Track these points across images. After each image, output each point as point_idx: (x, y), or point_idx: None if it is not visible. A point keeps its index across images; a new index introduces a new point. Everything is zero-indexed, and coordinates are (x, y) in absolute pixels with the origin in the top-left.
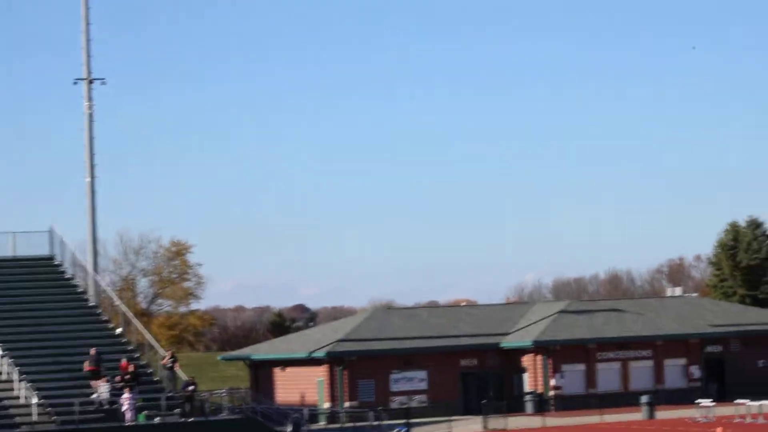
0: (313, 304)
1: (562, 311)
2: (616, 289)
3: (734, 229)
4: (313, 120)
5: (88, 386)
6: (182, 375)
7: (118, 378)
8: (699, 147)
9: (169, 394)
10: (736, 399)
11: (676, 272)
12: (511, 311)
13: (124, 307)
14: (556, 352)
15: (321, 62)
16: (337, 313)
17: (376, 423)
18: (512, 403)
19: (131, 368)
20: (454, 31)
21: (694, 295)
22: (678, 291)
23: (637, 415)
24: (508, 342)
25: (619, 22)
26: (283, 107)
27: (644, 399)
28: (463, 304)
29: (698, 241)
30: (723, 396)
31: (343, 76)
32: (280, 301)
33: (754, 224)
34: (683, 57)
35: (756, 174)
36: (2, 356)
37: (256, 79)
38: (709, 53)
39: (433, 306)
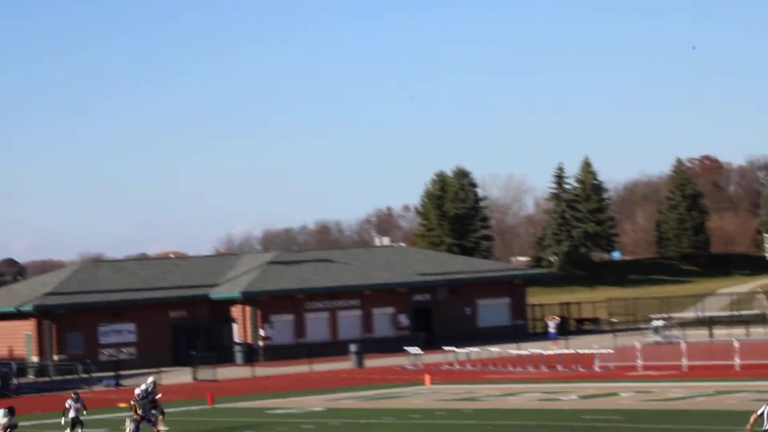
0: (22, 258)
1: (271, 262)
2: (326, 239)
3: (441, 179)
4: None
5: None
6: None
7: None
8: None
9: None
10: (443, 346)
11: (385, 222)
12: (221, 263)
13: None
14: (265, 303)
15: None
16: (46, 267)
17: (85, 375)
18: (222, 354)
19: None
20: None
21: (402, 244)
22: (386, 241)
23: (347, 364)
24: (216, 293)
25: None
26: None
27: (353, 348)
28: (172, 256)
29: (406, 191)
30: (431, 344)
31: None
32: None
33: (461, 174)
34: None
35: (462, 125)
36: None
37: None
38: None
39: (141, 258)
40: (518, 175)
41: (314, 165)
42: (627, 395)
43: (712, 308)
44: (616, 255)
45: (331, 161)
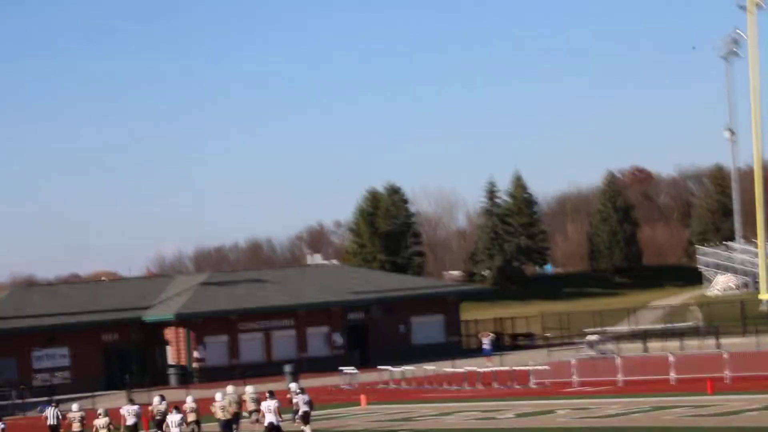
0: None
1: (204, 283)
2: (258, 257)
3: (373, 196)
4: None
5: None
6: None
7: None
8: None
9: None
10: (378, 365)
11: (316, 239)
12: (153, 284)
13: None
14: (198, 325)
15: None
16: None
17: (19, 401)
18: (156, 377)
19: None
20: None
21: (335, 262)
22: (318, 258)
23: (281, 385)
24: (149, 316)
25: None
26: None
27: (287, 368)
28: (104, 278)
29: (337, 207)
30: (366, 362)
31: None
32: None
33: (392, 190)
34: None
35: (393, 140)
36: None
37: None
38: None
39: (74, 281)
40: (448, 188)
41: (244, 181)
42: (564, 412)
43: (645, 321)
44: (549, 269)
45: (260, 177)
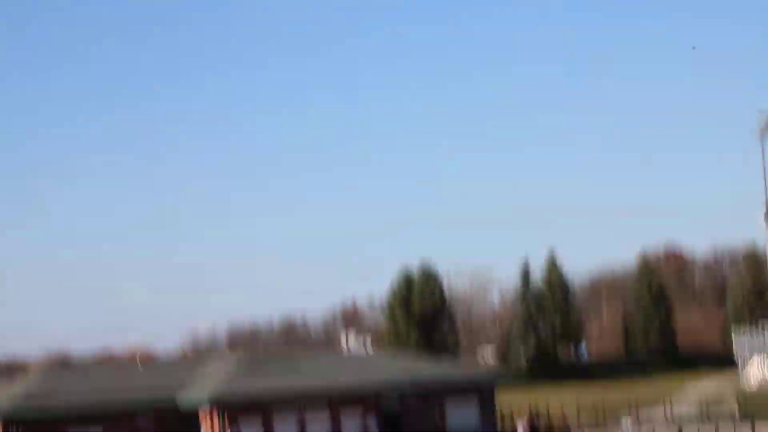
0: None
1: (238, 364)
2: (291, 335)
3: (406, 277)
4: None
5: None
6: None
7: None
8: (366, 189)
9: None
10: None
11: (350, 317)
12: (188, 366)
13: None
14: (233, 408)
15: None
16: (10, 366)
17: None
18: None
19: None
20: None
21: (368, 340)
22: (352, 336)
23: None
24: (184, 398)
25: None
26: None
27: None
28: (139, 356)
29: (370, 281)
30: None
31: None
32: None
33: (427, 273)
34: None
35: (424, 212)
36: None
37: None
38: None
39: (108, 363)
40: (483, 267)
41: (277, 255)
42: None
43: (680, 406)
44: (584, 353)
45: (295, 251)
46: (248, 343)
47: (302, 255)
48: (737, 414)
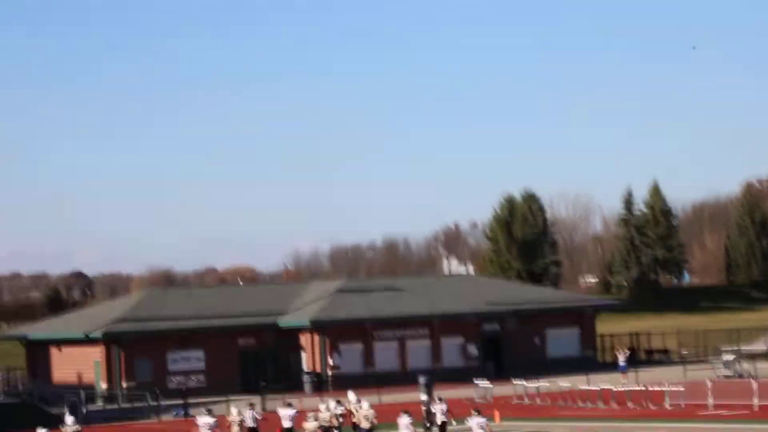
0: (90, 271)
1: (340, 290)
2: (394, 257)
3: (509, 203)
4: None
5: None
6: None
7: None
8: (480, 113)
9: None
10: (512, 378)
11: (452, 240)
12: (289, 289)
13: None
14: (334, 331)
15: None
16: (114, 281)
17: (154, 403)
18: (290, 383)
19: None
20: None
21: (470, 265)
22: (454, 261)
23: (415, 395)
24: (285, 321)
25: None
26: None
27: (422, 379)
28: (240, 277)
29: (473, 207)
30: (500, 374)
31: None
32: (57, 267)
33: (530, 198)
34: None
35: (530, 142)
36: None
37: None
38: None
39: (210, 280)
40: (585, 193)
41: (382, 177)
42: None
43: None
44: (686, 278)
45: (399, 174)
46: (350, 265)
47: (407, 177)
48: None
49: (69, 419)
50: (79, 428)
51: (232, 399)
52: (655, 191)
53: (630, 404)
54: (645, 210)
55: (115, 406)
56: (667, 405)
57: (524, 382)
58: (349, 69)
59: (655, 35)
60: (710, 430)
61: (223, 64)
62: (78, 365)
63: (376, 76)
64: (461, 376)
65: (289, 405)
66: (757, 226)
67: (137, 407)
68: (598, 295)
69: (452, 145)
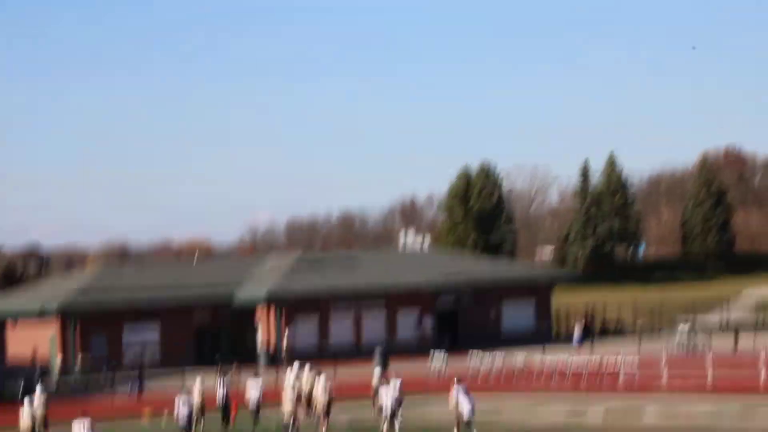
0: (46, 242)
1: (296, 263)
2: (350, 231)
3: (466, 176)
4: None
5: None
6: None
7: None
8: (436, 86)
9: None
10: (468, 350)
11: (409, 213)
12: (245, 263)
13: None
14: (290, 305)
15: None
16: (69, 256)
17: (109, 377)
18: (245, 357)
19: None
20: None
21: (427, 238)
22: (411, 233)
23: (370, 368)
24: (241, 295)
25: None
26: None
27: (378, 350)
28: (197, 250)
29: (431, 178)
30: (456, 347)
31: None
32: (12, 239)
33: (486, 171)
34: None
35: (486, 118)
36: None
37: None
38: None
39: (166, 255)
40: (542, 165)
41: (338, 151)
42: (652, 409)
43: (737, 311)
44: (642, 250)
45: (355, 146)
46: (306, 238)
47: (364, 150)
48: None
49: (38, 388)
50: (46, 398)
51: (188, 372)
52: (611, 163)
53: (585, 378)
54: (600, 184)
55: (71, 381)
56: (621, 379)
57: (479, 351)
58: (303, 36)
59: (612, 8)
60: (664, 402)
61: (169, 34)
62: (33, 340)
63: (332, 47)
64: (416, 349)
65: (256, 375)
66: (713, 197)
67: (93, 382)
68: (555, 268)
69: (409, 118)
